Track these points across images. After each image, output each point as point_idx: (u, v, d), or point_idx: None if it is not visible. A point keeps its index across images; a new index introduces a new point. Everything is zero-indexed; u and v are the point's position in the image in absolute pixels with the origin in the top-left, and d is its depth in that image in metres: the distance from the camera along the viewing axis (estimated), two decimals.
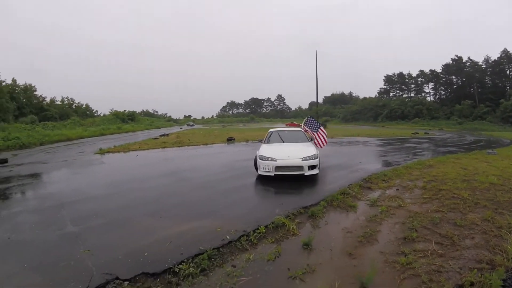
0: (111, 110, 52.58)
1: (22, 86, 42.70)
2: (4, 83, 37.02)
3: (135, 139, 24.75)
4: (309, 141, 9.46)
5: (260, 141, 10.04)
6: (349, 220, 4.97)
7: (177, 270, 3.44)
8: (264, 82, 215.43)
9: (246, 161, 10.89)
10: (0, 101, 32.88)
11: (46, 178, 9.40)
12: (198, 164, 11.26)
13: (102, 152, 15.64)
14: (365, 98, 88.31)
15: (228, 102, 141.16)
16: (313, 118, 11.26)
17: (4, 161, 13.13)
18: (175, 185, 7.67)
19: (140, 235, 4.47)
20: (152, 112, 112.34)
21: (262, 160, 7.66)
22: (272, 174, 7.48)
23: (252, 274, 3.35)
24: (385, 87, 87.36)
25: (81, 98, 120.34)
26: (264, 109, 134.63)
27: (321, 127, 10.70)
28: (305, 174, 7.46)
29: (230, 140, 20.42)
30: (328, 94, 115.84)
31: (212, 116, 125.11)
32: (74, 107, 55.21)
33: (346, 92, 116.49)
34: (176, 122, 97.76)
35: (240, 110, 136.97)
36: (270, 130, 10.51)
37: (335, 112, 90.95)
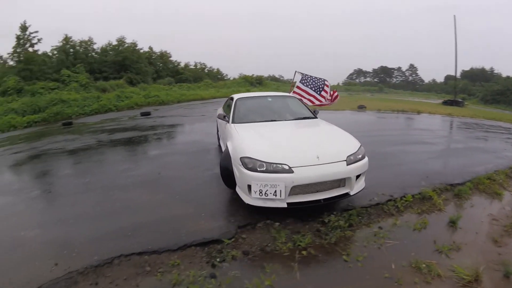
0: (240, 74, 55.04)
1: (158, 53, 47.68)
2: (142, 50, 41.80)
3: None
4: (315, 116, 5.53)
5: (224, 117, 5.37)
6: (494, 207, 4.48)
7: (326, 220, 3.58)
8: (395, 48, 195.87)
9: (390, 130, 10.84)
10: (139, 65, 37.99)
11: (187, 128, 10.56)
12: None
13: None
14: (508, 77, 73.55)
15: (355, 70, 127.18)
16: (306, 75, 8.15)
17: (148, 113, 15.18)
18: None
19: None
20: (278, 77, 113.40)
21: (254, 171, 3.49)
22: (284, 205, 3.47)
23: (399, 240, 3.28)
24: None
25: (212, 63, 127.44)
26: (394, 79, 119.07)
27: (326, 83, 7.87)
28: (352, 193, 3.75)
29: (361, 107, 18.96)
30: (467, 68, 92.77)
31: (338, 84, 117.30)
32: (206, 71, 59.45)
33: (487, 67, 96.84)
34: None
35: (368, 79, 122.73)
36: (236, 96, 6.11)
37: (473, 90, 78.01)
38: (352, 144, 4.08)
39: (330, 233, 3.35)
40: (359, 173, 3.81)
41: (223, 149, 4.88)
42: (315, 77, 7.98)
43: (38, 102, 18.14)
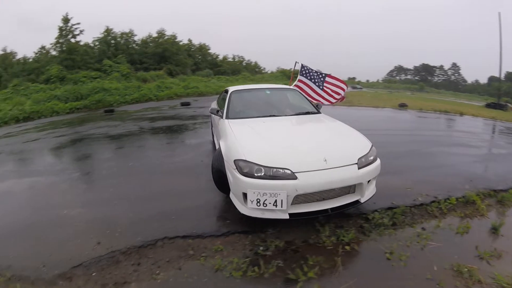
0: (278, 67, 55.09)
1: (197, 45, 48.68)
2: (181, 43, 43.24)
3: None
4: (318, 111, 4.99)
5: (218, 112, 4.86)
6: None
7: (370, 217, 3.60)
8: (437, 45, 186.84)
9: (434, 130, 10.82)
10: (179, 57, 39.35)
11: None
12: (375, 125, 10.61)
13: None
14: None
15: (395, 67, 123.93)
16: (307, 67, 7.42)
17: (188, 103, 15.68)
18: None
19: None
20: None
21: (251, 176, 3.01)
22: (286, 216, 3.03)
23: (442, 242, 3.25)
24: None
25: (250, 56, 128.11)
26: (435, 78, 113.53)
27: (329, 76, 7.31)
28: (362, 201, 3.38)
29: (403, 106, 18.55)
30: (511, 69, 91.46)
31: (378, 80, 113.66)
32: (244, 64, 60.16)
33: None
34: None
35: (409, 77, 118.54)
36: (231, 88, 5.56)
37: None
38: (363, 144, 3.61)
39: (374, 230, 3.37)
40: (371, 178, 3.41)
41: (217, 147, 4.32)
42: (315, 71, 7.46)
43: (81, 90, 19.14)
